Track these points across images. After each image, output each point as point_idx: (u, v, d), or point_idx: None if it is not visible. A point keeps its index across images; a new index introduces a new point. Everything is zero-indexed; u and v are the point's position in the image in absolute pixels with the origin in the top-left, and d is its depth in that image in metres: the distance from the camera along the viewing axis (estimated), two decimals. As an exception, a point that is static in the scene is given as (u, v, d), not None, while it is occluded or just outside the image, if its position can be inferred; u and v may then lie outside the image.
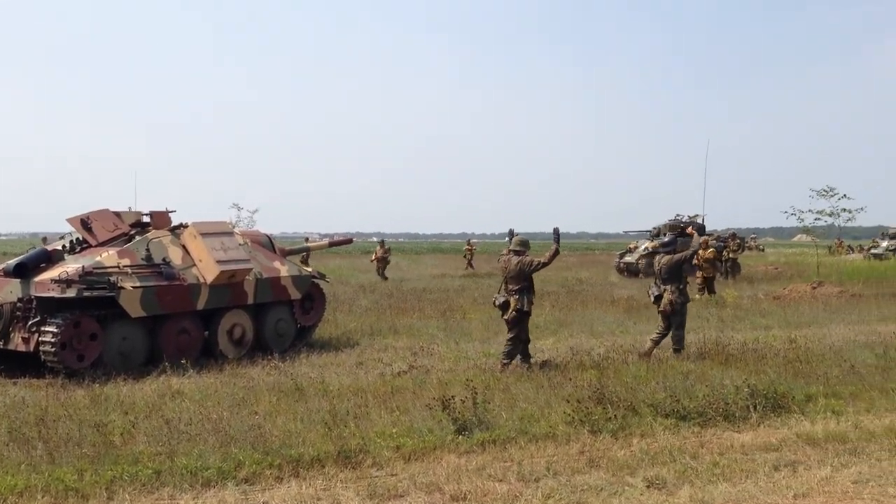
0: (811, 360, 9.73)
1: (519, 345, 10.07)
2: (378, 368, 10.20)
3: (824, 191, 24.27)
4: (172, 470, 5.74)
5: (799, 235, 51.65)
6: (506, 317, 10.02)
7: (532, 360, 10.11)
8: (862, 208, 25.55)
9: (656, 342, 10.70)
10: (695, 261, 18.10)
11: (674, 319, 10.69)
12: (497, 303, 10.17)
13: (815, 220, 24.81)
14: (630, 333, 13.32)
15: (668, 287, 10.69)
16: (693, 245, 11.21)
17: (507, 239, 10.65)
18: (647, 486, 5.53)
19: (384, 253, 29.68)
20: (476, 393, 7.22)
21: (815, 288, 21.13)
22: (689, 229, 11.26)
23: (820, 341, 11.80)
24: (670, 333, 10.72)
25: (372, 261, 30.58)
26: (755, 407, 7.44)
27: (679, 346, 10.63)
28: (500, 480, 5.70)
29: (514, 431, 6.78)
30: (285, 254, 13.37)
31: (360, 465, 6.06)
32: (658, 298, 10.79)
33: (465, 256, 37.40)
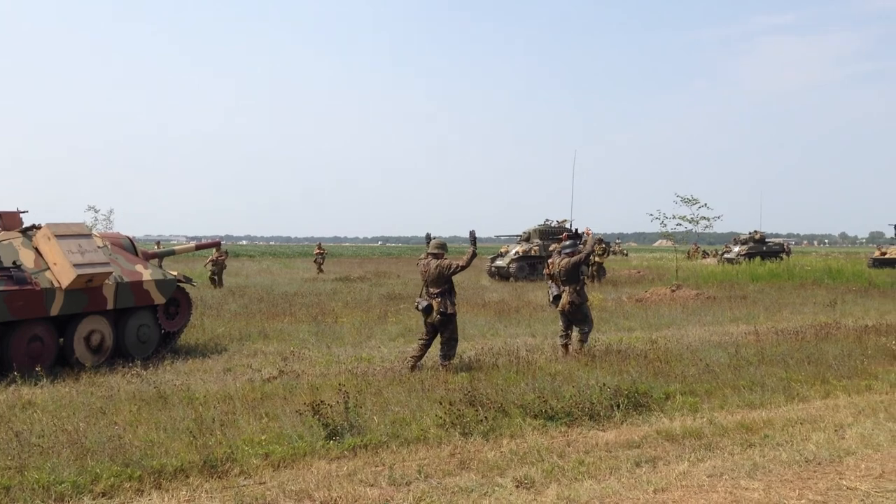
0: (670, 360, 10.17)
1: (454, 345, 10.18)
2: (247, 374, 9.97)
3: (687, 199, 25.48)
4: (23, 485, 5.39)
5: (660, 241, 54.01)
6: (429, 320, 10.08)
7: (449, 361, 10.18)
8: (719, 216, 26.93)
9: (566, 341, 11.07)
10: (546, 269, 18.71)
11: (574, 318, 11.02)
12: (420, 307, 10.17)
13: (677, 225, 25.99)
14: (501, 336, 13.55)
15: (567, 288, 10.98)
16: (587, 247, 11.49)
17: (425, 243, 10.67)
18: (517, 486, 5.62)
19: (220, 256, 27.02)
20: (348, 397, 7.15)
21: (674, 291, 22.13)
22: (587, 230, 11.61)
23: (678, 342, 12.38)
24: (575, 330, 11.07)
25: (206, 265, 28.01)
26: (618, 406, 7.70)
27: (584, 339, 11.03)
28: (372, 485, 5.65)
29: (385, 435, 6.74)
30: (148, 257, 12.84)
31: (226, 474, 5.87)
32: (557, 299, 11.07)
33: (315, 261, 36.86)
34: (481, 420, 7.12)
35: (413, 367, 9.98)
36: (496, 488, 5.58)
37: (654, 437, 6.90)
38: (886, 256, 39.75)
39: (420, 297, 10.29)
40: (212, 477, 5.79)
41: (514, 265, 30.36)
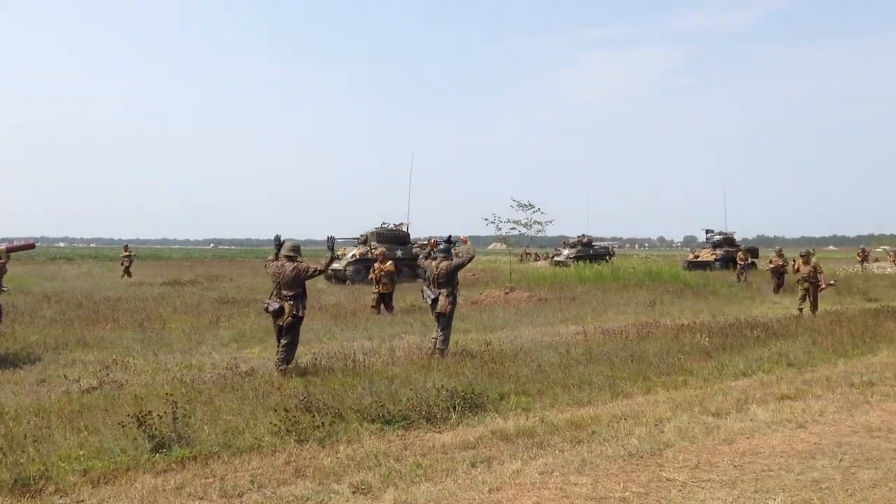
0: (504, 361, 10.42)
1: (294, 349, 10.04)
2: (63, 385, 9.31)
3: (523, 204, 26.25)
4: None
5: (494, 244, 55.48)
6: (280, 322, 9.94)
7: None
8: (551, 221, 27.91)
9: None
10: (371, 274, 18.80)
11: (442, 320, 11.27)
12: (270, 309, 9.95)
13: (511, 229, 26.72)
14: (338, 340, 13.42)
15: (444, 291, 11.19)
16: (469, 252, 11.73)
17: (274, 245, 10.49)
18: (354, 492, 5.54)
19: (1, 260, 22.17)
20: (176, 407, 6.82)
21: (507, 293, 22.75)
22: (463, 237, 12.04)
23: (512, 343, 12.72)
24: (439, 334, 11.22)
25: None
26: (455, 407, 7.78)
27: (444, 345, 11.21)
28: (201, 498, 5.41)
29: (216, 446, 6.48)
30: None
31: (40, 493, 5.44)
32: (435, 301, 11.22)
33: (121, 263, 34.97)
34: (317, 426, 6.99)
35: (281, 369, 9.83)
36: (333, 495, 5.49)
37: (489, 437, 7.02)
38: (699, 259, 42.78)
39: (270, 298, 10.08)
40: (24, 496, 5.36)
41: (350, 268, 30.18)
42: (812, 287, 17.97)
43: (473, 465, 6.19)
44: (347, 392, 8.34)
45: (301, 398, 7.60)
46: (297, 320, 10.03)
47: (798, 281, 18.32)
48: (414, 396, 7.97)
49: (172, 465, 6.07)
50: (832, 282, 19.01)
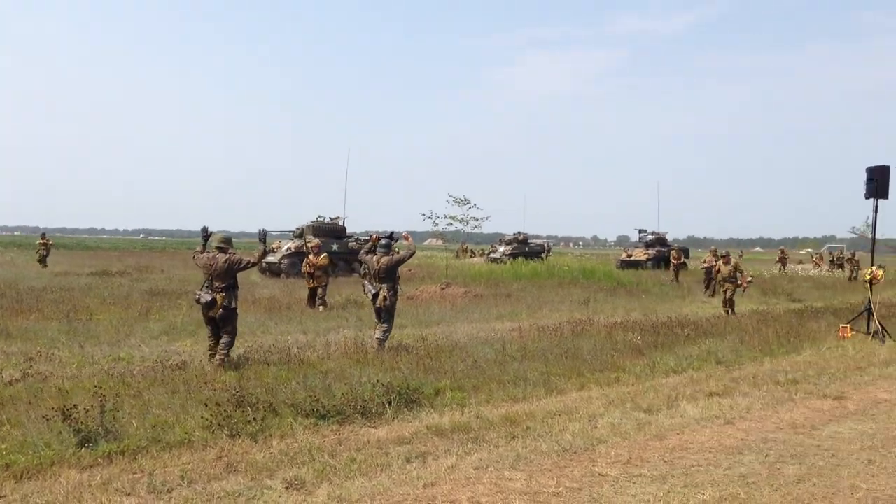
0: (440, 357, 10.42)
1: (233, 342, 10.05)
2: (-16, 377, 8.96)
3: (459, 200, 26.20)
4: None
5: (430, 239, 55.51)
6: (212, 314, 9.89)
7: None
8: (488, 217, 28.01)
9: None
10: (304, 268, 18.57)
11: (384, 314, 11.27)
12: (202, 300, 9.85)
13: (448, 225, 26.66)
14: (272, 333, 13.25)
15: (385, 286, 11.22)
16: (410, 248, 11.77)
17: (201, 237, 10.43)
18: (287, 488, 5.47)
19: None
20: (104, 400, 6.64)
21: (443, 289, 22.77)
22: (405, 234, 12.26)
23: (448, 338, 12.73)
24: (379, 329, 11.29)
25: None
26: (390, 402, 7.76)
27: (384, 336, 11.26)
28: (129, 494, 5.27)
29: (145, 440, 6.33)
30: None
31: (-42, 489, 5.23)
32: (376, 296, 11.24)
33: (36, 252, 33.76)
34: (250, 421, 6.88)
35: (213, 361, 9.78)
36: (265, 491, 5.41)
37: (425, 432, 7.01)
38: (632, 258, 43.55)
39: (202, 290, 9.96)
40: (-60, 493, 5.14)
41: (286, 261, 29.84)
42: (731, 287, 18.45)
43: (408, 461, 6.18)
44: (281, 386, 8.23)
45: (233, 392, 7.47)
46: (230, 312, 9.94)
47: (719, 282, 18.83)
48: (349, 391, 7.91)
49: (99, 459, 5.91)
50: (749, 279, 19.59)
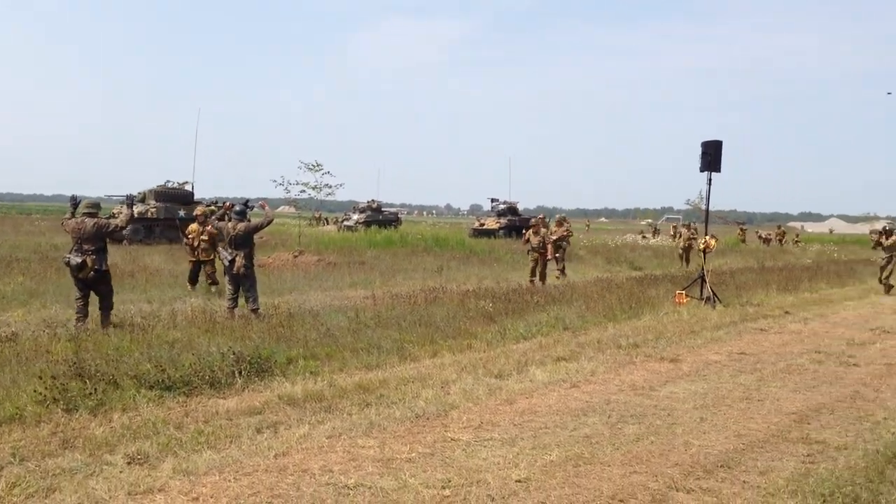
0: (293, 325, 10.25)
1: (110, 304, 10.27)
2: None
3: (311, 166, 25.64)
4: None
5: (282, 207, 54.43)
6: (82, 276, 9.94)
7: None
8: (341, 184, 27.66)
9: (234, 305, 11.45)
10: (186, 239, 16.85)
11: (244, 282, 11.40)
12: (72, 262, 9.92)
13: (301, 192, 26.10)
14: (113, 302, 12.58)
15: (240, 252, 11.35)
16: (269, 215, 12.34)
17: (69, 204, 10.45)
18: (128, 463, 5.23)
19: None
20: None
21: (296, 257, 22.43)
22: (262, 202, 12.51)
23: (300, 306, 12.55)
24: (250, 300, 11.38)
25: None
26: (240, 372, 7.56)
27: (255, 305, 11.38)
28: (-49, 476, 4.88)
29: (-30, 417, 5.88)
30: None
31: None
32: (232, 263, 11.25)
33: None
34: (89, 394, 6.52)
35: (79, 325, 9.82)
36: (105, 467, 5.14)
37: (276, 402, 6.89)
38: (484, 227, 44.37)
39: (71, 253, 10.00)
40: None
41: (128, 227, 28.41)
42: (541, 257, 18.16)
43: (259, 431, 6.06)
44: (123, 357, 7.83)
45: (71, 364, 7.06)
46: (102, 273, 10.09)
47: (528, 251, 18.51)
48: (197, 361, 7.64)
49: (-84, 439, 5.44)
50: (558, 254, 19.72)
